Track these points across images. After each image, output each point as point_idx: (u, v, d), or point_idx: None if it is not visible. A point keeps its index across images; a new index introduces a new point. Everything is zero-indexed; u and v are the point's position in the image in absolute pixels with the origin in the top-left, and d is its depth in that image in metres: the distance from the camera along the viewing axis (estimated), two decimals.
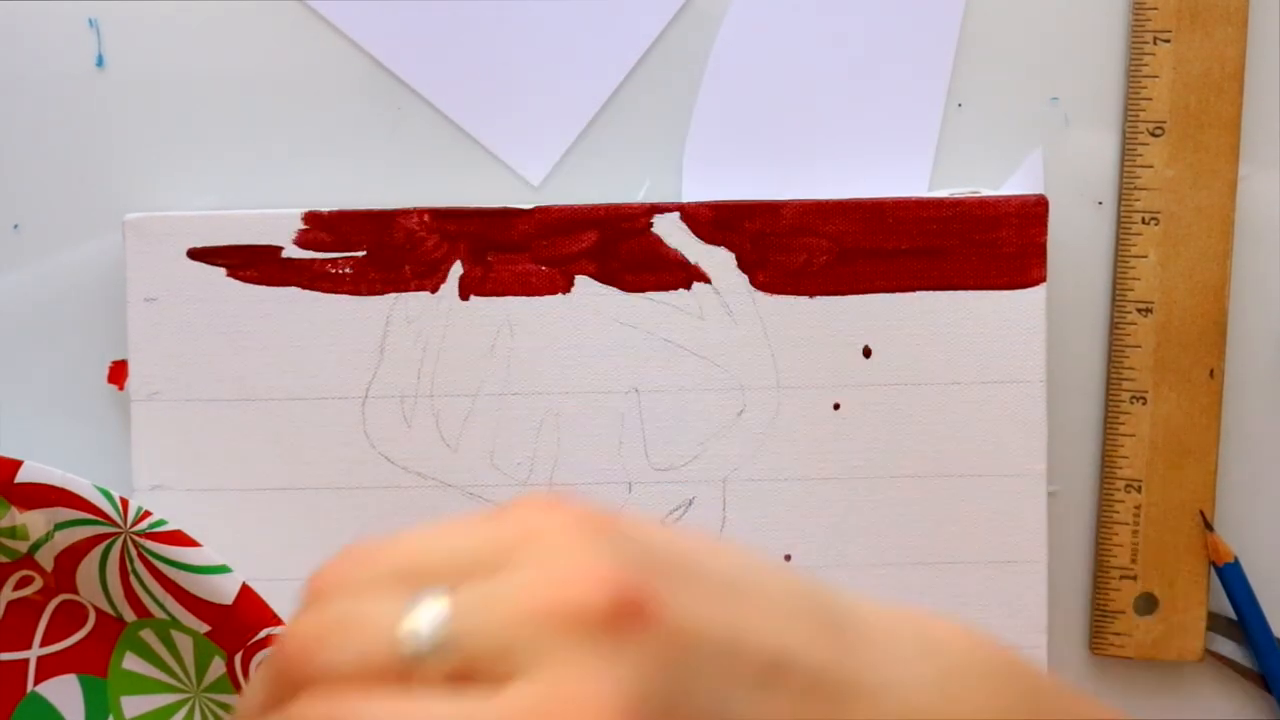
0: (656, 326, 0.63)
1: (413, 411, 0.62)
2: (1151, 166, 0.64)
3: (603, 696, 0.33)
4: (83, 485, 0.59)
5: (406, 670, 0.34)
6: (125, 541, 0.60)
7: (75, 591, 0.61)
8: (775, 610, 0.37)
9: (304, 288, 0.62)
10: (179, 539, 0.59)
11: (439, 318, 0.62)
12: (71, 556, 0.60)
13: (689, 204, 0.62)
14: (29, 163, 0.63)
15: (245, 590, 0.59)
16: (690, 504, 0.63)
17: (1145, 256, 0.64)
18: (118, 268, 0.62)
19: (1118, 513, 0.64)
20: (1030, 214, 0.62)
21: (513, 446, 0.63)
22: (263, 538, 0.62)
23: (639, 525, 0.37)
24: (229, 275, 0.62)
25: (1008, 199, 0.62)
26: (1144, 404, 0.64)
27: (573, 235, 0.62)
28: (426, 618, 0.34)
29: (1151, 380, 0.64)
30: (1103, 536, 0.64)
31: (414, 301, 0.62)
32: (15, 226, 0.63)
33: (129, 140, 0.63)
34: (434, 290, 0.62)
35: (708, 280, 0.63)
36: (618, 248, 0.62)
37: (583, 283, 0.62)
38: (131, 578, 0.60)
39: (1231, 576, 0.64)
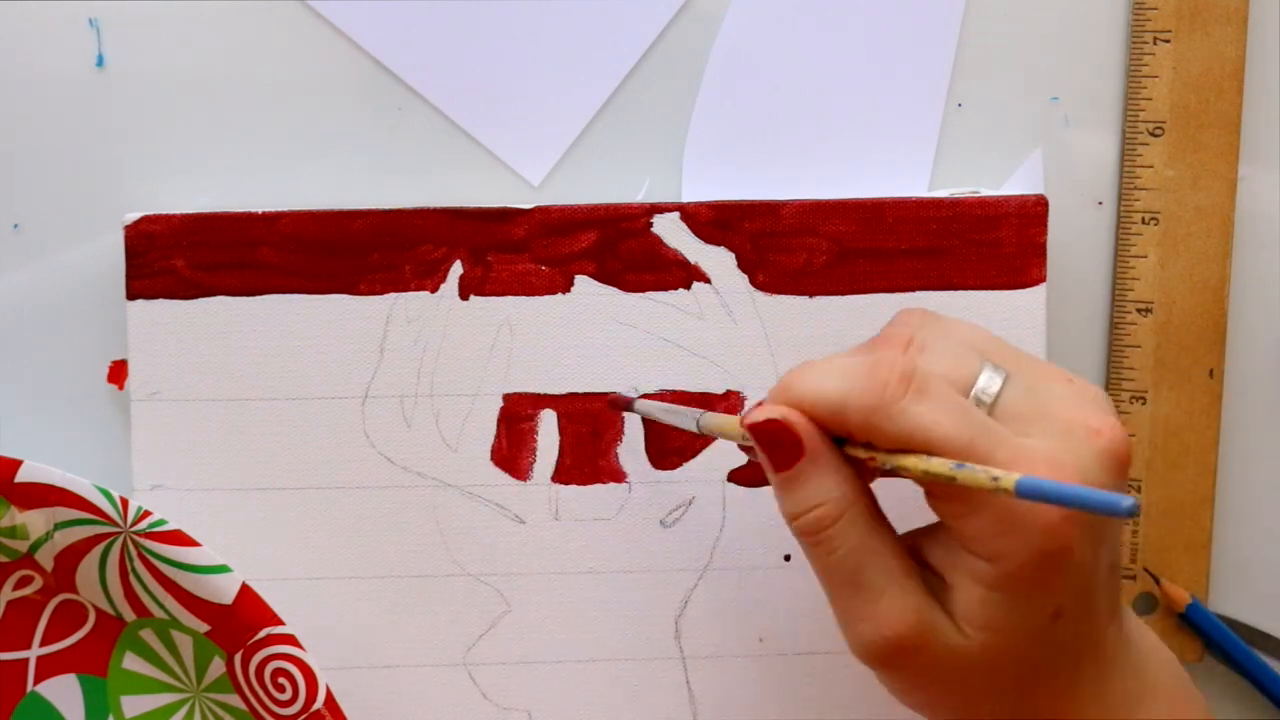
0: (656, 326, 0.63)
1: (413, 411, 0.62)
2: (1151, 166, 0.64)
3: (1078, 478, 0.49)
4: (83, 485, 0.59)
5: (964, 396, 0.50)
6: (125, 541, 0.60)
7: (75, 591, 0.61)
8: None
9: (304, 288, 0.62)
10: (179, 539, 0.59)
11: (439, 318, 0.62)
12: (71, 556, 0.60)
13: (689, 204, 0.62)
14: (29, 163, 0.63)
15: (245, 590, 0.59)
16: (690, 504, 0.63)
17: (1145, 256, 0.64)
18: (118, 268, 0.62)
19: None
20: (1030, 214, 0.62)
21: (512, 445, 0.63)
22: (262, 537, 0.62)
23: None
24: (229, 275, 0.62)
25: (1008, 199, 0.62)
26: (1144, 404, 0.64)
27: (572, 235, 0.62)
28: (992, 376, 0.51)
29: (1151, 380, 0.64)
30: None
31: (414, 301, 0.62)
32: (15, 226, 0.63)
33: (129, 140, 0.63)
34: (434, 290, 0.62)
35: (707, 280, 0.63)
36: (617, 248, 0.62)
37: (582, 283, 0.62)
38: (131, 577, 0.60)
39: (1196, 616, 0.64)
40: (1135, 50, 0.63)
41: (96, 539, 0.60)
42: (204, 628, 0.60)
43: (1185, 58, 0.63)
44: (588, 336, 0.63)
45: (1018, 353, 0.52)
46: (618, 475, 0.63)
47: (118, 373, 0.63)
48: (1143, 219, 0.64)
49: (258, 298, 0.62)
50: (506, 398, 0.63)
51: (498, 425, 0.63)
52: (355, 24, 0.63)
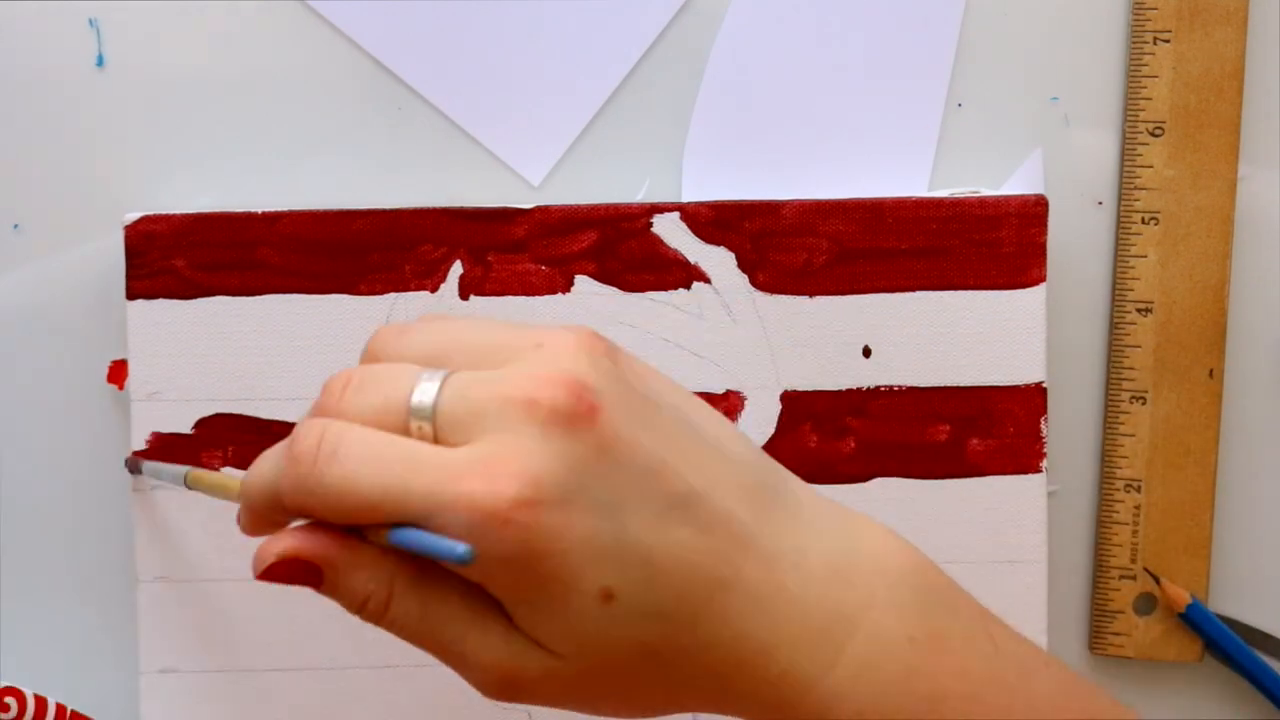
0: (656, 326, 0.63)
1: None
2: (1151, 166, 0.64)
3: (521, 464, 0.44)
4: None
5: (404, 426, 0.46)
6: None
7: None
8: (713, 461, 0.47)
9: (304, 288, 0.62)
10: None
11: None
12: None
13: (689, 204, 0.62)
14: (29, 163, 0.63)
15: None
16: None
17: (1145, 256, 0.64)
18: (118, 268, 0.62)
19: (1117, 513, 0.64)
20: (1030, 214, 0.62)
21: None
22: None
23: (635, 363, 0.48)
24: (229, 275, 0.62)
25: (1008, 199, 0.62)
26: (1144, 404, 0.64)
27: (572, 235, 0.62)
28: (426, 388, 0.46)
29: (1151, 380, 0.64)
30: (1103, 536, 0.64)
31: (414, 301, 0.62)
32: (15, 226, 0.63)
33: (129, 140, 0.63)
34: (434, 290, 0.62)
35: (707, 280, 0.63)
36: (617, 248, 0.62)
37: (582, 282, 0.62)
38: None
39: (1196, 616, 0.64)
40: (1135, 50, 0.63)
41: None
42: None
43: (1185, 58, 0.63)
44: None
45: (487, 336, 0.48)
46: None
47: (118, 373, 0.63)
48: (1143, 219, 0.64)
49: (258, 298, 0.62)
50: None
51: None
52: (355, 24, 0.63)
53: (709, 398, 0.62)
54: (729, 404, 0.63)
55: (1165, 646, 0.64)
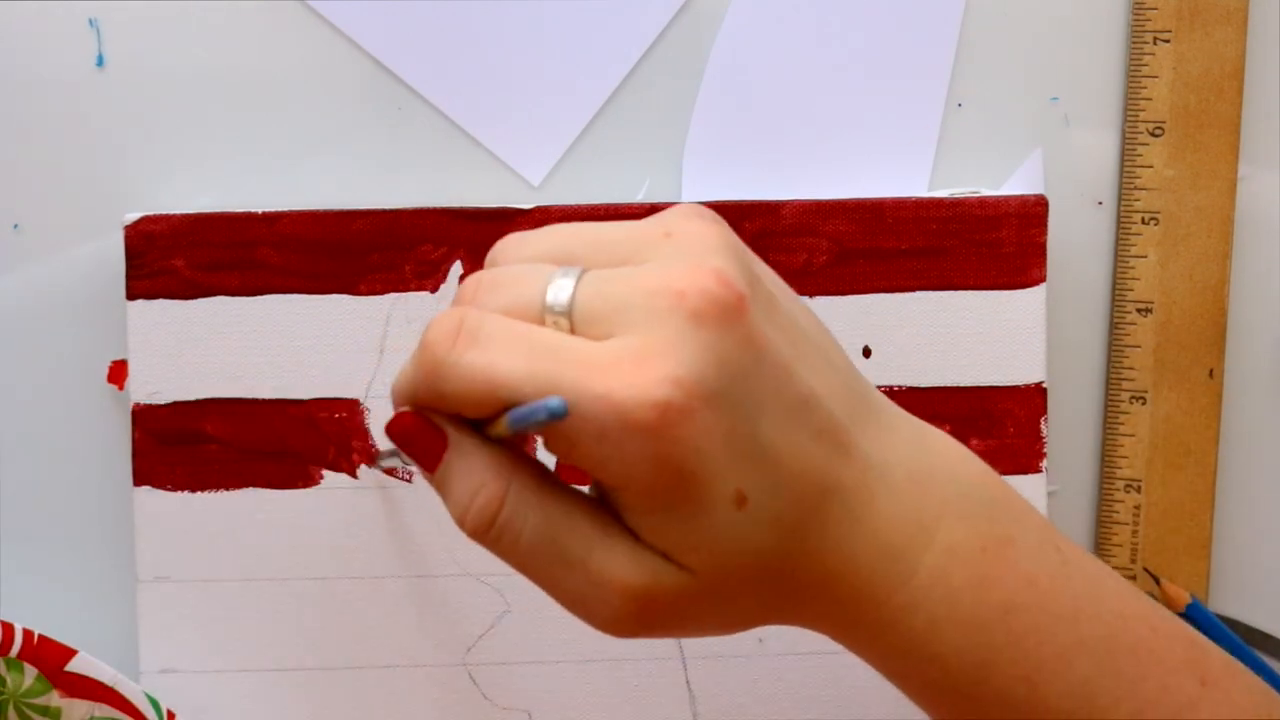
0: None
1: None
2: (1151, 166, 0.64)
3: (673, 360, 0.43)
4: (133, 690, 0.60)
5: (539, 322, 0.44)
6: None
7: None
8: (824, 366, 0.46)
9: (304, 288, 0.62)
10: None
11: None
12: None
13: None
14: (29, 163, 0.63)
15: None
16: None
17: (1145, 256, 0.64)
18: (118, 268, 0.62)
19: (1118, 513, 0.64)
20: (1030, 214, 0.62)
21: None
22: (261, 542, 0.62)
23: (756, 257, 0.47)
24: (229, 275, 0.62)
25: (1008, 199, 0.62)
26: (1144, 404, 0.64)
27: None
28: (562, 284, 0.44)
29: (1151, 380, 0.64)
30: (1103, 536, 0.64)
31: (414, 301, 0.62)
32: (15, 226, 0.63)
33: (129, 140, 0.63)
34: (434, 290, 0.62)
35: None
36: None
37: None
38: None
39: (1196, 616, 0.64)
40: (1135, 50, 0.63)
41: None
42: None
43: (1185, 58, 0.63)
44: None
45: (612, 232, 0.47)
46: None
47: (118, 373, 0.63)
48: (1143, 219, 0.64)
49: (258, 298, 0.62)
50: None
51: None
52: (355, 24, 0.63)
53: None
54: None
55: None
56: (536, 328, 0.44)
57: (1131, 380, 0.64)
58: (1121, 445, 0.64)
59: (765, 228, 0.62)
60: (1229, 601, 0.65)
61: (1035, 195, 0.63)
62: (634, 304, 0.44)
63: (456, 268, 0.62)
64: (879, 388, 0.62)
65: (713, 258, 0.44)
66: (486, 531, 0.45)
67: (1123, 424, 0.64)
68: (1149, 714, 0.47)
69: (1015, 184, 0.64)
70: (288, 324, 0.62)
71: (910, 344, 0.63)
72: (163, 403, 0.62)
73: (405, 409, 0.46)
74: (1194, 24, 0.63)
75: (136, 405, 0.62)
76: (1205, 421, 0.64)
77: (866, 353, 0.63)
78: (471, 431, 0.46)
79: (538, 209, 0.62)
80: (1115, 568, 0.64)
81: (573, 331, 0.44)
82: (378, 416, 0.62)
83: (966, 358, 0.63)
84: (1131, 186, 0.64)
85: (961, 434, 0.63)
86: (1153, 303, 0.64)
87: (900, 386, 0.63)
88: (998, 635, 0.47)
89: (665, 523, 0.45)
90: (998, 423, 0.63)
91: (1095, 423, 0.65)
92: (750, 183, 0.63)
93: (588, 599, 0.46)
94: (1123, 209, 0.64)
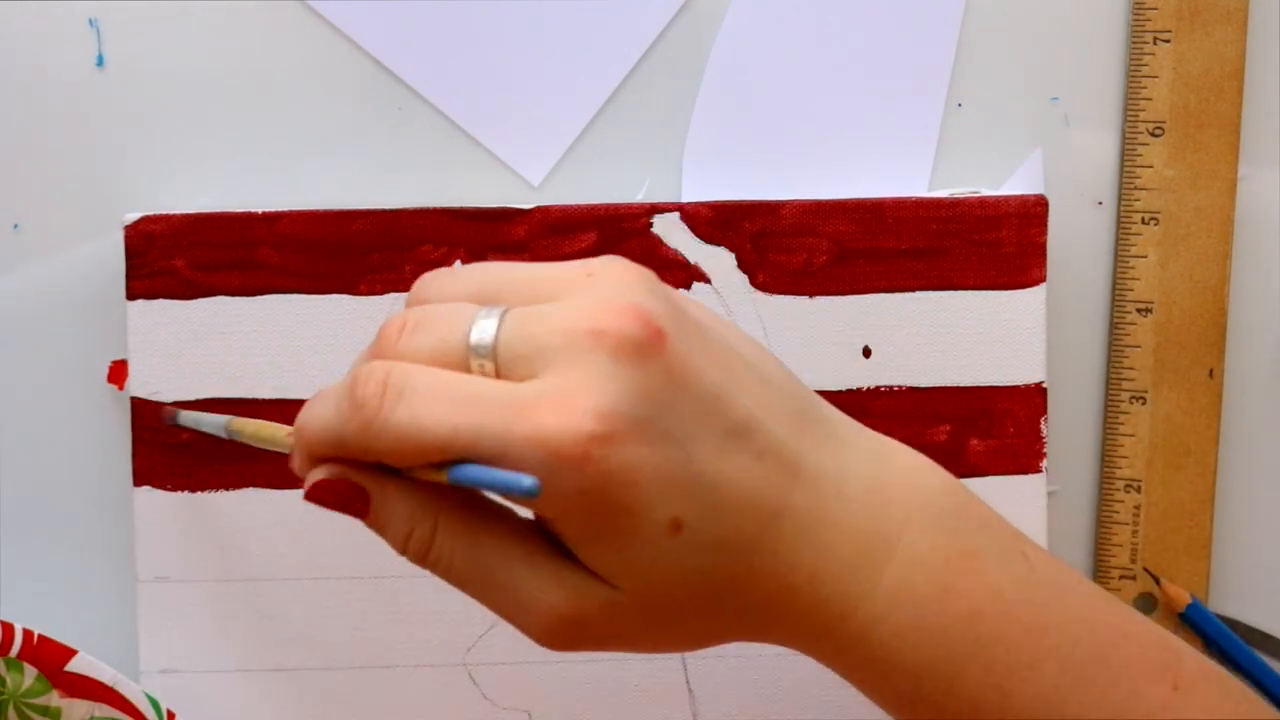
0: None
1: None
2: (1151, 166, 0.64)
3: (595, 397, 0.43)
4: (133, 690, 0.60)
5: (464, 365, 0.45)
6: None
7: None
8: (761, 388, 0.47)
9: (304, 288, 0.62)
10: None
11: None
12: None
13: (689, 204, 0.62)
14: (29, 163, 0.63)
15: None
16: None
17: (1145, 256, 0.64)
18: (118, 268, 0.62)
19: (1117, 513, 0.64)
20: (1030, 214, 0.62)
21: None
22: (261, 542, 0.62)
23: (680, 295, 0.47)
24: (229, 275, 0.62)
25: (1007, 199, 0.62)
26: (1144, 404, 0.64)
27: (573, 235, 0.62)
28: (484, 325, 0.45)
29: (1151, 380, 0.64)
30: (1103, 536, 0.64)
31: None
32: (15, 226, 0.63)
33: (129, 140, 0.63)
34: None
35: (707, 280, 0.63)
36: (618, 248, 0.62)
37: None
38: None
39: (1196, 616, 0.64)
40: (1135, 50, 0.63)
41: None
42: None
43: (1185, 58, 0.63)
44: None
45: (534, 271, 0.47)
46: None
47: (118, 373, 0.63)
48: (1143, 219, 0.64)
49: (258, 298, 0.62)
50: None
51: None
52: (355, 24, 0.63)
53: None
54: None
55: None
56: (460, 376, 0.45)
57: (1131, 380, 0.64)
58: (1121, 445, 0.64)
59: (765, 228, 0.62)
60: (1229, 601, 0.65)
61: (1035, 195, 0.63)
62: (554, 344, 0.44)
63: (456, 267, 0.62)
64: (879, 388, 0.63)
65: (630, 294, 0.45)
66: (422, 561, 0.47)
67: (1123, 424, 0.64)
68: (1121, 718, 0.48)
69: (1015, 184, 0.64)
70: (288, 324, 0.62)
71: (910, 344, 0.63)
72: (163, 402, 0.62)
73: (320, 474, 0.47)
74: (1194, 24, 0.63)
75: (136, 403, 0.62)
76: (1205, 421, 0.64)
77: (867, 353, 0.63)
78: (393, 478, 0.47)
79: (537, 209, 0.62)
80: (1115, 568, 0.64)
81: (498, 372, 0.45)
82: None
83: (966, 358, 0.63)
84: (1131, 186, 0.64)
85: (961, 434, 0.63)
86: (1153, 303, 0.64)
87: (900, 386, 0.63)
88: (965, 645, 0.47)
89: (600, 550, 0.46)
90: (998, 423, 0.63)
91: (1095, 423, 0.65)
92: (750, 182, 0.64)
93: (518, 616, 0.47)
94: (1123, 209, 0.64)
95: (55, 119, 0.63)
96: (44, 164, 0.63)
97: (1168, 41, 0.63)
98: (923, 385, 0.63)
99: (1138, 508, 0.64)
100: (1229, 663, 0.64)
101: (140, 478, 0.62)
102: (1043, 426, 0.63)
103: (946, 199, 0.63)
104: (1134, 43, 0.63)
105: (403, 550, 0.47)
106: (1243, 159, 0.64)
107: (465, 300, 0.47)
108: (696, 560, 0.46)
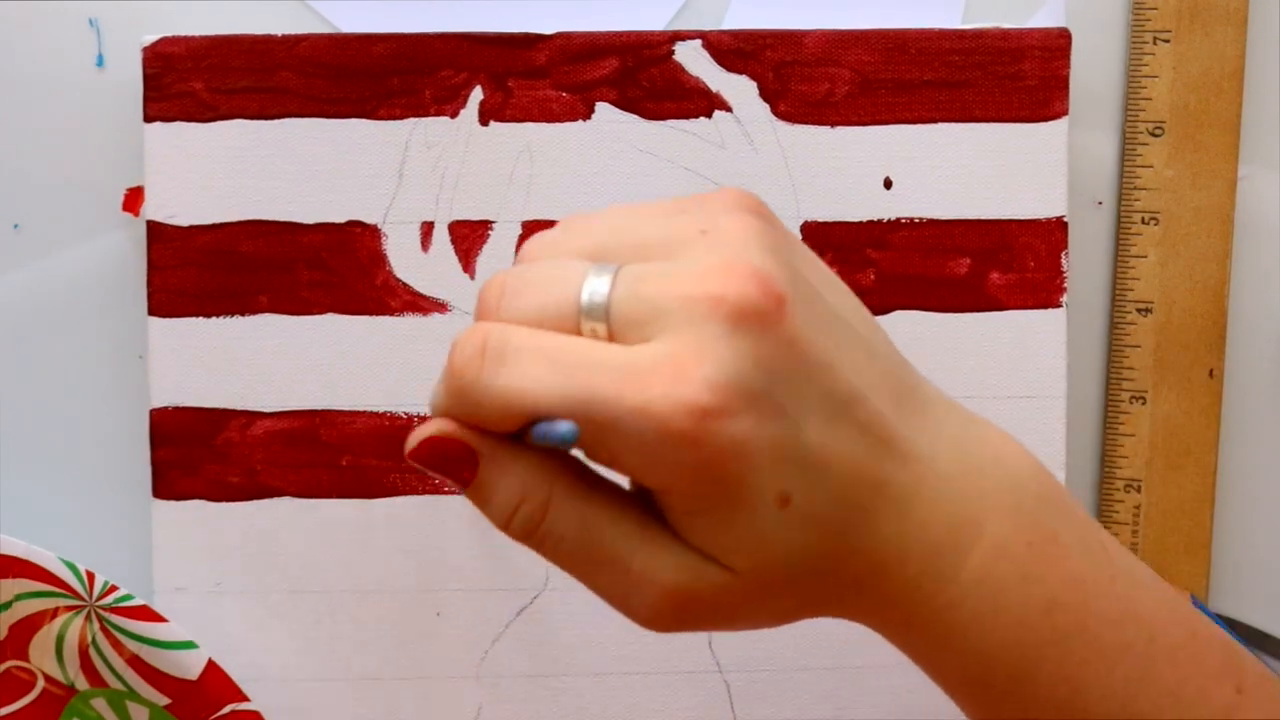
0: (677, 155, 0.62)
1: (431, 238, 0.62)
2: (1151, 166, 0.64)
3: (711, 366, 0.42)
4: (48, 558, 0.60)
5: (574, 328, 0.43)
6: (89, 614, 0.60)
7: (25, 659, 0.61)
8: (868, 360, 0.45)
9: (323, 112, 0.61)
10: (145, 614, 0.60)
11: (458, 143, 0.62)
12: (28, 626, 0.60)
13: (711, 32, 0.62)
14: (29, 163, 0.63)
15: (211, 666, 0.60)
16: None
17: (1145, 256, 0.64)
18: (118, 268, 0.62)
19: (1118, 513, 0.64)
20: (1053, 46, 0.62)
21: None
22: (277, 369, 0.62)
23: (799, 247, 0.46)
24: (247, 99, 0.61)
25: (1030, 31, 0.62)
26: (1144, 404, 0.64)
27: (594, 62, 0.62)
28: (597, 284, 0.43)
29: (1151, 380, 0.64)
30: None
31: (434, 126, 0.62)
32: (15, 226, 0.63)
33: (129, 140, 0.63)
34: (454, 116, 0.62)
35: (729, 109, 0.62)
36: (638, 75, 0.62)
37: (603, 110, 0.62)
38: (91, 650, 0.60)
39: None
40: (1135, 50, 0.64)
41: (57, 611, 0.60)
42: (164, 700, 0.60)
43: (1185, 58, 0.63)
44: (608, 164, 0.62)
45: (646, 226, 0.45)
46: None
47: (133, 200, 0.63)
48: (1143, 219, 0.64)
49: (276, 121, 0.62)
50: (525, 225, 0.62)
51: (516, 253, 0.62)
52: (355, 24, 0.63)
53: None
54: None
55: None
56: (564, 338, 0.43)
57: (1131, 380, 0.64)
58: (1121, 445, 0.64)
59: (787, 57, 0.62)
60: (1229, 601, 0.65)
61: (1058, 28, 0.62)
62: (670, 308, 0.43)
63: (477, 93, 0.61)
64: (900, 220, 0.62)
65: (752, 256, 0.43)
66: (529, 537, 0.45)
67: (1123, 424, 0.64)
68: (1188, 718, 0.47)
69: (1037, 22, 0.64)
70: (305, 148, 0.61)
71: (931, 176, 0.62)
72: (180, 225, 0.61)
73: (429, 429, 0.44)
74: (1194, 24, 0.63)
75: (152, 226, 0.61)
76: (1205, 421, 0.64)
77: (888, 184, 0.62)
78: (508, 442, 0.45)
79: (559, 35, 0.62)
80: None
81: (610, 334, 0.43)
82: (395, 242, 0.62)
83: (988, 190, 0.62)
84: (1131, 186, 0.64)
85: (982, 267, 0.63)
86: (1153, 303, 0.64)
87: (921, 218, 0.62)
88: (1041, 633, 0.46)
89: (708, 525, 0.44)
90: (1018, 256, 0.62)
91: (1095, 423, 0.65)
92: (796, 7, 0.63)
93: (629, 596, 0.45)
94: (1123, 209, 0.64)
95: (55, 119, 0.63)
96: (44, 164, 0.63)
97: (1168, 41, 0.63)
98: (943, 218, 0.62)
99: (1138, 507, 0.64)
100: None
101: (159, 490, 0.62)
102: (1063, 261, 0.62)
103: (969, 30, 0.62)
104: (1134, 43, 0.64)
105: (505, 524, 0.45)
106: (1243, 159, 0.64)
107: (575, 257, 0.44)
108: (801, 535, 0.45)
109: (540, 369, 0.43)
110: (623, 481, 0.46)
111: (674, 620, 0.45)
